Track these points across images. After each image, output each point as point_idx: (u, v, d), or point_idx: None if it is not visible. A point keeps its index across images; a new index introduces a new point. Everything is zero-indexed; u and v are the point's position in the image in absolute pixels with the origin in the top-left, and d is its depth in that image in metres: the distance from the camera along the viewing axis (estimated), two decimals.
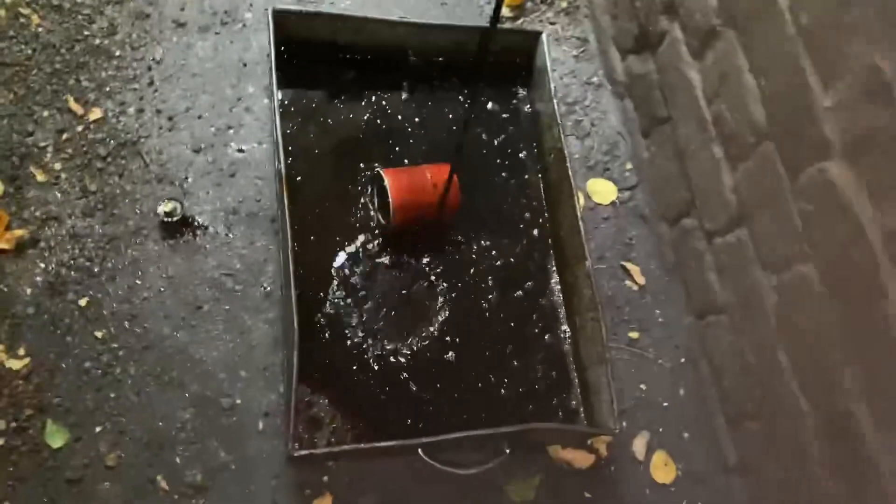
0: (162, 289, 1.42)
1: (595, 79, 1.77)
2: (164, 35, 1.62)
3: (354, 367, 1.40)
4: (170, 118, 1.55)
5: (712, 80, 1.36)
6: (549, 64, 1.57)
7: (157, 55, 1.60)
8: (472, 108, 1.21)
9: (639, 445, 1.48)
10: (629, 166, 1.69)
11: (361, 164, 1.56)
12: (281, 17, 1.46)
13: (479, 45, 1.13)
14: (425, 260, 1.51)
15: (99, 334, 1.37)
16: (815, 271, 1.14)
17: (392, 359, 1.42)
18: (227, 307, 1.42)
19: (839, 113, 1.06)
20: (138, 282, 1.42)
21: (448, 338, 1.46)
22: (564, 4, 1.84)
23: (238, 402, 1.36)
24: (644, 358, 1.54)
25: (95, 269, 1.41)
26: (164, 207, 1.45)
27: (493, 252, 1.54)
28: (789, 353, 1.24)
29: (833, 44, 1.05)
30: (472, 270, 1.52)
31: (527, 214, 1.59)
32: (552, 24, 1.82)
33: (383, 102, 1.62)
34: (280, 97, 1.54)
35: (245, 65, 1.62)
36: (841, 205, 1.07)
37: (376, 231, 1.50)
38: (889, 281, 1.00)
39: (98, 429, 1.31)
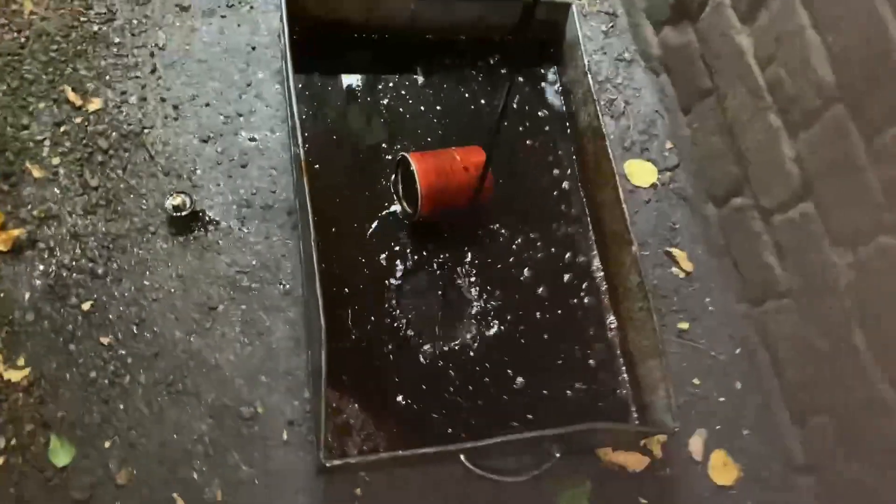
0: (172, 290, 1.30)
1: (627, 55, 1.65)
2: (167, 20, 1.51)
3: (386, 369, 1.28)
4: (175, 107, 1.44)
5: (767, 44, 1.24)
6: (580, 36, 1.46)
7: (160, 41, 1.49)
8: (509, 83, 1.09)
9: (695, 445, 1.36)
10: (669, 145, 1.57)
11: (382, 150, 1.44)
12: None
13: (521, 16, 1.01)
14: (457, 251, 1.39)
15: (105, 341, 1.25)
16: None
17: (426, 359, 1.30)
18: (244, 307, 1.31)
19: None
20: (146, 283, 1.30)
21: (486, 333, 1.34)
22: None
23: (259, 410, 1.24)
24: (696, 350, 1.43)
25: (99, 271, 1.29)
26: (172, 201, 1.33)
27: (529, 240, 1.43)
28: (869, 337, 1.12)
29: None
30: (508, 260, 1.40)
31: (562, 200, 1.48)
32: None
33: (402, 85, 1.51)
34: (295, 82, 1.43)
35: (254, 49, 1.51)
36: None
37: (404, 221, 1.39)
38: None
39: (107, 444, 1.19)
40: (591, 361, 1.36)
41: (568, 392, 1.33)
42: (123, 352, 1.25)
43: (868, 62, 1.03)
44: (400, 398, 1.26)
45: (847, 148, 1.09)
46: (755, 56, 1.27)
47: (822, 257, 1.18)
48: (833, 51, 1.10)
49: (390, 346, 1.30)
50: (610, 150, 1.37)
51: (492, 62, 1.56)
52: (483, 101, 1.52)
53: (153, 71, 1.46)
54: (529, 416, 1.28)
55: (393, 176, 1.41)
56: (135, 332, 1.27)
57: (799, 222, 1.23)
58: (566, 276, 1.41)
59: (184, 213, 1.33)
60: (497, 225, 1.43)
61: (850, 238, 1.12)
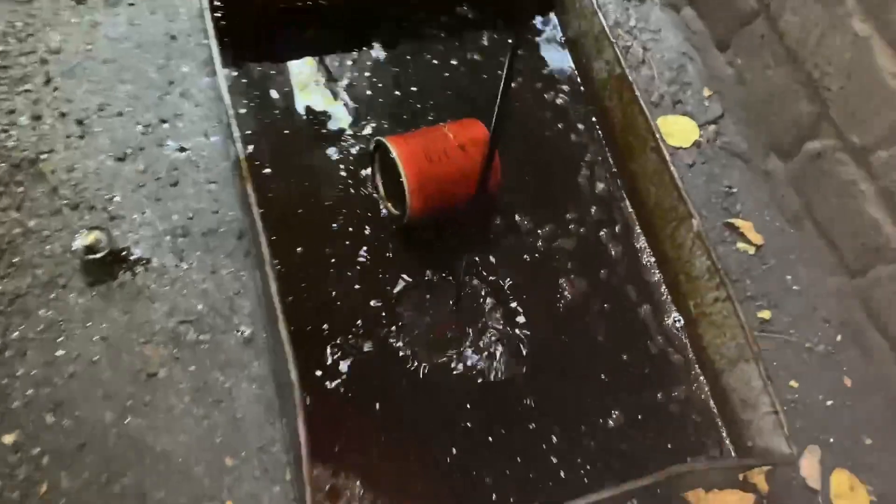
0: (95, 357, 0.97)
1: None
2: (60, 17, 1.20)
3: (393, 424, 0.95)
4: (79, 122, 1.12)
5: None
6: None
7: (53, 44, 1.17)
8: (515, 36, 0.77)
9: (809, 467, 1.03)
10: (707, 93, 1.26)
11: (351, 140, 1.12)
12: None
13: None
14: (465, 255, 1.07)
15: (9, 439, 0.92)
16: None
17: (444, 400, 0.97)
18: (193, 368, 0.98)
19: None
20: (60, 352, 0.97)
21: (513, 357, 1.01)
22: None
23: None
24: (787, 343, 1.11)
25: None
26: (82, 241, 1.01)
27: (553, 231, 1.11)
28: None
29: None
30: (529, 259, 1.08)
31: (588, 175, 1.16)
32: None
33: (362, 61, 1.19)
34: (227, 71, 1.12)
35: (174, 38, 1.20)
36: None
37: (392, 226, 1.06)
38: None
39: None
40: (653, 374, 1.03)
41: (630, 418, 1.00)
42: (36, 450, 0.92)
43: None
44: (418, 463, 0.93)
45: None
46: None
47: None
48: None
49: (395, 392, 0.97)
50: (642, 103, 1.06)
51: (462, 11, 1.24)
52: (458, 63, 1.21)
53: (47, 81, 1.14)
54: (579, 461, 0.95)
55: (369, 169, 1.09)
56: (49, 421, 0.93)
57: None
58: (603, 272, 1.09)
59: (100, 255, 1.01)
60: (512, 216, 1.10)
61: None
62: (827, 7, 0.98)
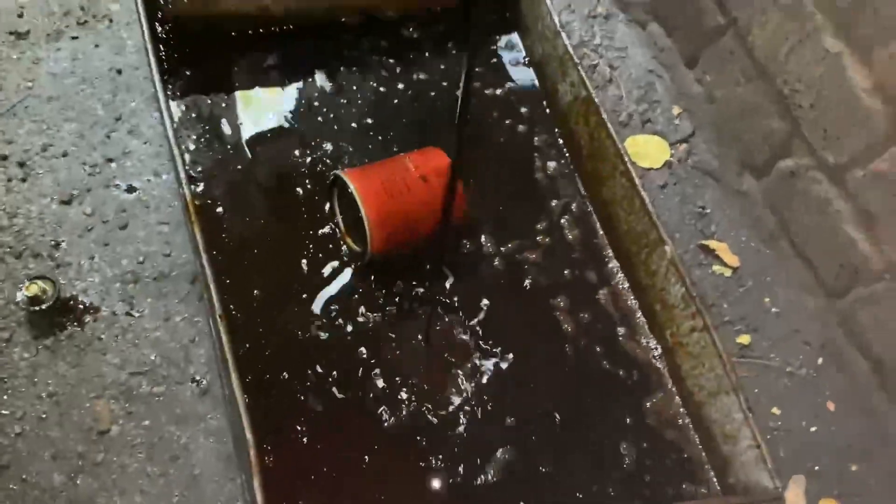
0: (42, 415, 0.92)
1: (600, 8, 1.31)
2: None
3: (361, 480, 0.90)
4: (21, 164, 1.06)
5: None
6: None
7: None
8: (466, 60, 0.73)
9: (794, 499, 1.00)
10: (677, 111, 1.23)
11: (309, 175, 1.07)
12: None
13: None
14: (432, 287, 1.02)
15: None
16: None
17: (407, 446, 0.92)
18: (147, 423, 0.93)
19: None
20: (4, 412, 0.92)
21: (487, 397, 0.96)
22: None
23: None
24: (767, 368, 1.07)
25: None
26: (26, 292, 0.95)
27: (524, 259, 1.06)
28: None
29: None
30: (499, 288, 1.03)
31: (555, 199, 1.12)
32: None
33: (315, 87, 1.15)
34: (176, 105, 1.07)
35: (120, 72, 1.15)
36: None
37: (355, 264, 1.01)
38: None
39: None
40: (633, 406, 0.99)
41: (605, 457, 0.95)
42: None
43: None
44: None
45: None
46: None
47: None
48: None
49: (362, 444, 0.91)
50: (610, 126, 1.02)
51: (415, 36, 1.20)
52: (413, 89, 1.17)
53: None
54: None
55: (328, 205, 1.04)
56: None
57: (891, 173, 0.88)
58: (579, 298, 1.05)
59: (46, 306, 0.95)
60: (480, 246, 1.06)
61: None
62: (796, 22, 0.95)
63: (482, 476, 0.91)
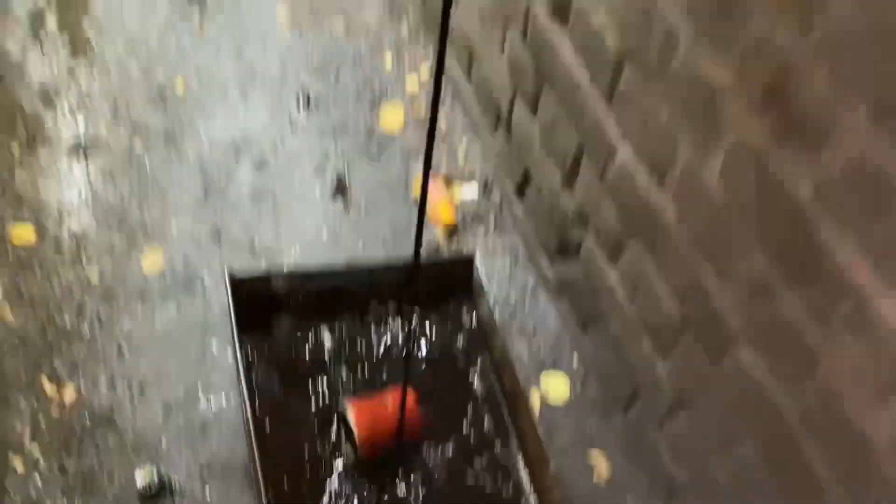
0: None
1: (531, 284, 1.92)
2: (130, 307, 1.76)
3: None
4: (141, 386, 1.65)
5: (628, 283, 1.51)
6: (484, 284, 1.73)
7: (125, 327, 1.72)
8: (412, 334, 1.33)
9: None
10: (577, 361, 1.80)
11: (325, 399, 1.65)
12: (238, 282, 1.61)
13: (409, 276, 1.27)
14: (400, 486, 1.57)
15: None
16: (754, 452, 1.23)
17: None
18: None
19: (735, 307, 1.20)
20: None
21: None
22: (493, 220, 2.03)
23: None
24: None
25: None
26: (141, 481, 1.50)
27: (463, 470, 1.61)
28: None
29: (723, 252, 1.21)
30: (448, 493, 1.58)
31: (488, 427, 1.68)
32: (486, 237, 2.00)
33: (342, 336, 1.74)
34: (244, 351, 1.66)
35: (208, 323, 1.75)
36: (757, 387, 1.18)
37: (353, 464, 1.57)
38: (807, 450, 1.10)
39: None
40: None
41: None
42: None
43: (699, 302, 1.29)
44: None
45: (703, 368, 1.32)
46: (624, 291, 1.54)
47: (701, 462, 1.38)
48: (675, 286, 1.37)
49: None
50: (519, 379, 1.60)
51: (412, 311, 1.82)
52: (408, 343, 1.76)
53: (120, 355, 1.68)
54: None
55: (338, 425, 1.61)
56: None
57: (685, 429, 1.44)
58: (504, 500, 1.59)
59: (153, 492, 1.51)
60: (431, 458, 1.61)
61: (721, 447, 1.33)
62: (627, 327, 1.54)
63: None
